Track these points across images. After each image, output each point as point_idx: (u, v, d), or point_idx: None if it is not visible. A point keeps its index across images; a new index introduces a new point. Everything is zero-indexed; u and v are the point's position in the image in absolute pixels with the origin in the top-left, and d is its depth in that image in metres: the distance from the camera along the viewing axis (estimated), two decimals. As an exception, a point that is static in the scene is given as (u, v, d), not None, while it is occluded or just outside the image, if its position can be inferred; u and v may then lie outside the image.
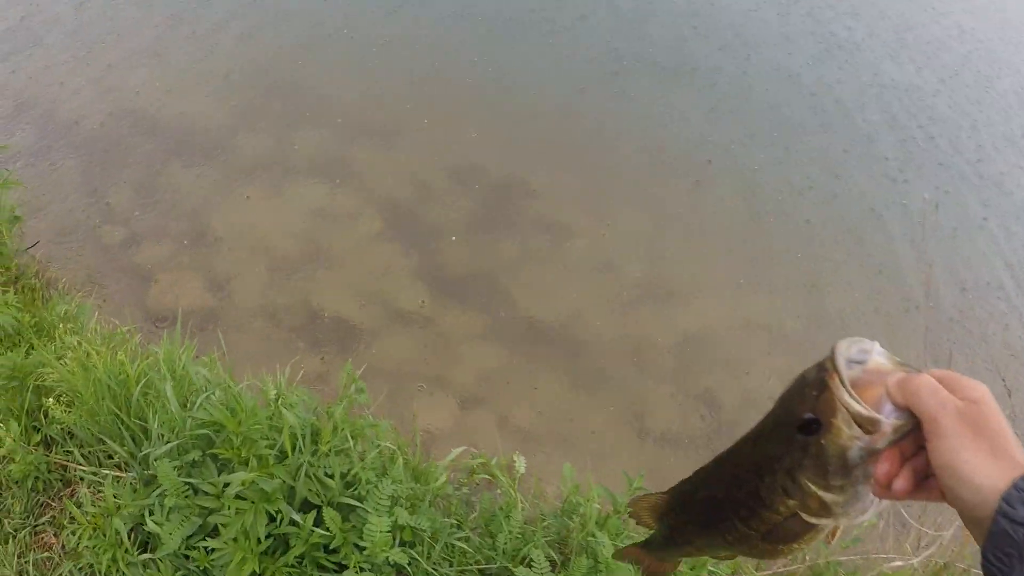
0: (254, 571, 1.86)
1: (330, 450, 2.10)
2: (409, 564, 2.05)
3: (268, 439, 1.94)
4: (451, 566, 2.20)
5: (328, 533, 1.97)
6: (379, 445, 2.31)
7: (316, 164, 5.37)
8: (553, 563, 2.21)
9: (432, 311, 4.59)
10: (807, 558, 2.76)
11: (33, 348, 2.79)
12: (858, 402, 0.64)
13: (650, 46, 7.11)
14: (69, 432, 2.48)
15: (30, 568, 2.29)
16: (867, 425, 0.63)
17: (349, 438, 2.18)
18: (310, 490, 1.99)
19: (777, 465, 0.71)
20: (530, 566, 2.11)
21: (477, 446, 3.84)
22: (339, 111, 5.90)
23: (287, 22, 6.90)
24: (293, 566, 1.96)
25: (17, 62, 5.83)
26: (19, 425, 2.42)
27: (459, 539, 2.27)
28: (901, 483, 0.63)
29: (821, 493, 0.68)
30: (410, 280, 4.73)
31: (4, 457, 2.39)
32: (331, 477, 2.04)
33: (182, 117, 5.56)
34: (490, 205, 5.33)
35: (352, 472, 2.11)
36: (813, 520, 0.71)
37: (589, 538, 2.29)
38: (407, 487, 2.21)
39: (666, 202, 5.78)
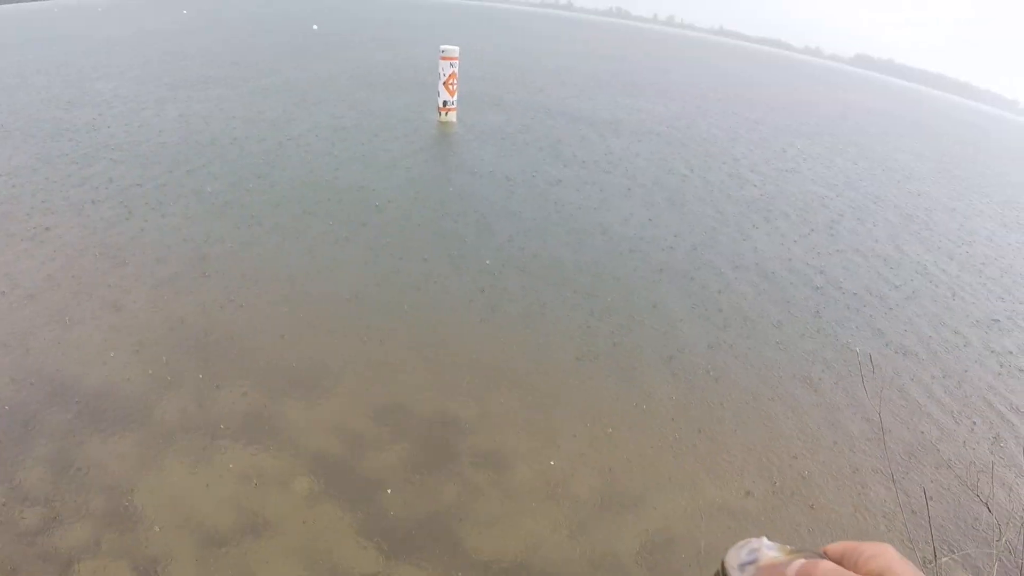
0: None
1: None
2: None
3: None
4: None
5: None
6: None
7: (241, 425, 5.17)
8: None
9: (385, 570, 4.34)
10: None
11: None
12: None
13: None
14: None
15: None
16: None
17: None
18: None
19: None
20: None
21: None
22: (261, 363, 5.89)
23: (203, 277, 7.07)
24: None
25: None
26: None
27: None
28: None
29: None
30: (354, 539, 4.45)
31: None
32: None
33: (98, 383, 5.34)
34: (425, 445, 5.26)
35: None
36: None
37: None
38: None
39: (602, 406, 6.04)
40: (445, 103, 13.50)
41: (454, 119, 13.79)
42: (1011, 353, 8.64)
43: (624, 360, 6.83)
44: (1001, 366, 8.24)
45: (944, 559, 4.87)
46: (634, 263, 9.28)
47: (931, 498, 5.59)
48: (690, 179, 13.51)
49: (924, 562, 4.67)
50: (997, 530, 5.21)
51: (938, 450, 6.27)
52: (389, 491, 4.84)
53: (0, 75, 16.02)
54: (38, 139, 11.39)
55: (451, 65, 12.83)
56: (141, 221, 8.53)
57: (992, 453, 6.41)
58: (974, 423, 6.83)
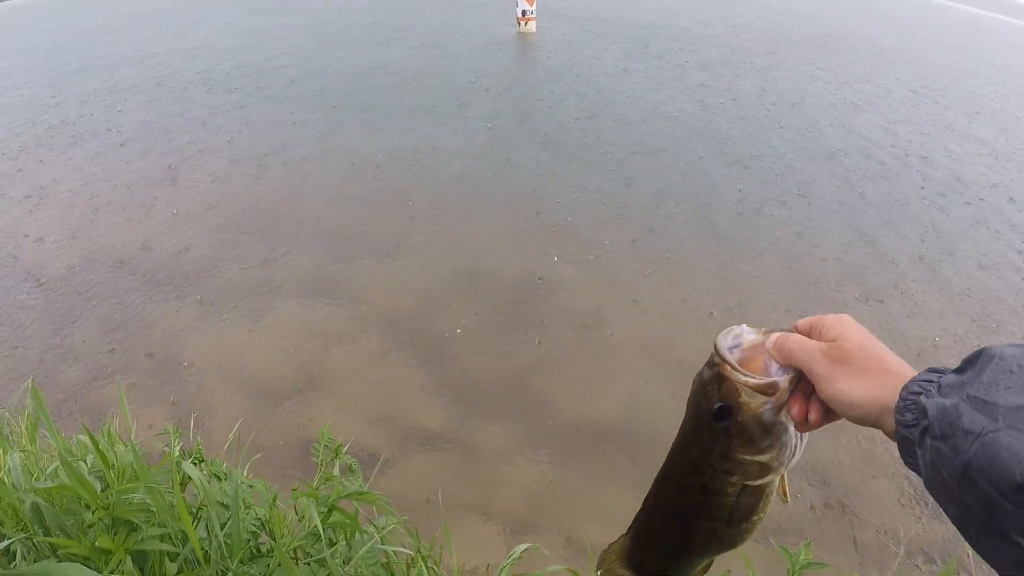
0: None
1: (290, 551, 1.22)
2: None
3: (159, 524, 1.09)
4: None
5: None
6: (380, 537, 1.39)
7: (310, 284, 4.87)
8: None
9: (456, 428, 3.73)
10: None
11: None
12: (751, 376, 0.72)
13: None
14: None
15: None
16: (766, 390, 0.71)
17: (321, 530, 1.29)
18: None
19: (711, 455, 0.76)
20: None
21: None
22: (331, 231, 5.56)
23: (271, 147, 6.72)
24: None
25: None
26: None
27: None
28: (814, 415, 0.71)
29: (757, 458, 0.74)
30: (424, 397, 3.93)
31: None
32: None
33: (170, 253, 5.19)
34: (503, 305, 4.69)
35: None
36: (760, 482, 0.77)
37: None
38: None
39: (699, 260, 5.13)
40: (524, 12, 12.59)
41: (533, 29, 12.76)
42: None
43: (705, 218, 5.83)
44: None
45: None
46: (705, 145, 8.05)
47: None
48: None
49: None
50: None
51: None
52: (458, 330, 4.26)
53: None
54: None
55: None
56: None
57: None
58: None
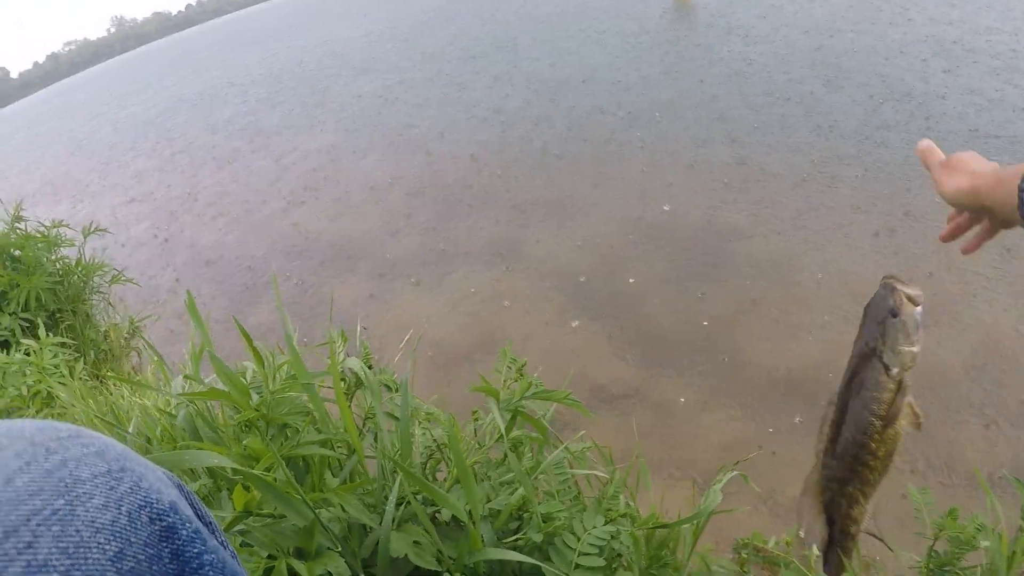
0: None
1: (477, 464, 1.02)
2: None
3: (320, 430, 0.93)
4: None
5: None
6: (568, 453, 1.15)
7: (488, 249, 4.85)
8: None
9: (643, 384, 3.45)
10: None
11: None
12: (913, 289, 0.96)
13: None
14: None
15: None
16: (916, 300, 0.96)
17: (504, 433, 1.07)
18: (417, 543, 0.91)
19: (883, 346, 0.98)
20: None
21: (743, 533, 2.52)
22: (503, 196, 5.52)
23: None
24: None
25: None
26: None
27: None
28: (962, 221, 0.99)
29: (912, 348, 0.97)
30: (610, 352, 3.69)
31: None
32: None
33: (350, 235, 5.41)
34: (688, 256, 4.30)
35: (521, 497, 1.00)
36: (908, 370, 0.98)
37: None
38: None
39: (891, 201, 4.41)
40: None
41: None
42: None
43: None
44: None
45: None
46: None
47: None
48: None
49: None
50: None
51: None
52: (633, 281, 3.94)
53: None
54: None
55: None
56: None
57: None
58: None
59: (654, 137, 5.99)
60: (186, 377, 1.24)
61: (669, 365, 3.54)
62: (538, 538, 0.97)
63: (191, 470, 0.97)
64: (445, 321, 4.13)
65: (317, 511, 0.82)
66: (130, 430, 1.19)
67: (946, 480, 2.67)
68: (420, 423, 1.18)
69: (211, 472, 0.94)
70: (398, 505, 0.90)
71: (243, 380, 0.92)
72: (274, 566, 0.77)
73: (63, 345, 3.19)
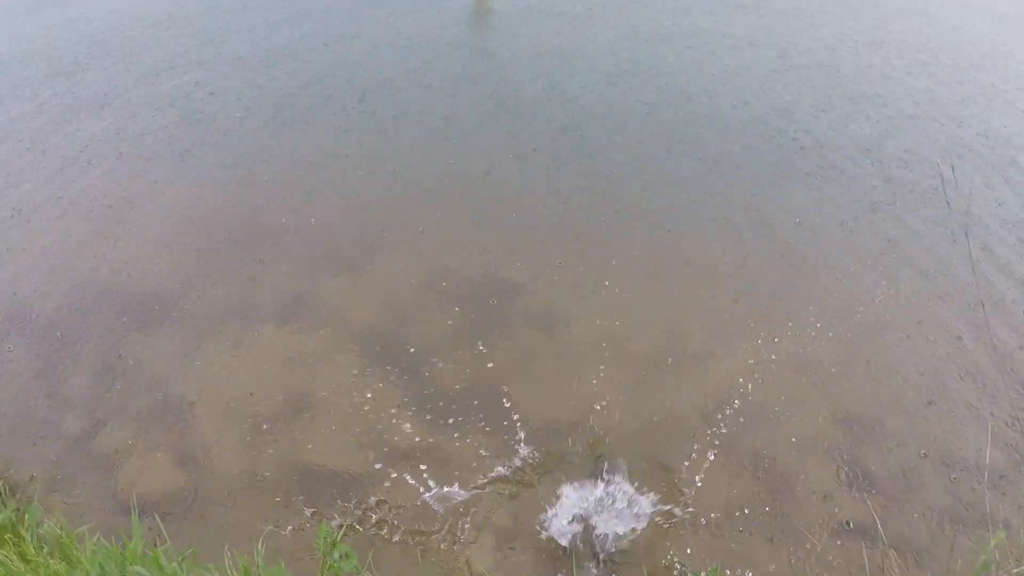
0: None
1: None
2: None
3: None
4: None
5: None
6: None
7: (286, 306, 5.02)
8: None
9: (433, 440, 4.10)
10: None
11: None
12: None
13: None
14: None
15: None
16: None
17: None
18: None
19: None
20: None
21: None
22: (299, 243, 5.66)
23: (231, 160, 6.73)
24: None
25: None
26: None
27: None
28: None
29: None
30: (402, 411, 4.26)
31: None
32: None
33: (138, 284, 5.23)
34: (472, 310, 5.00)
35: None
36: None
37: None
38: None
39: (657, 262, 5.54)
40: None
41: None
42: None
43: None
44: None
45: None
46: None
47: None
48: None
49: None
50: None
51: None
52: (437, 362, 4.57)
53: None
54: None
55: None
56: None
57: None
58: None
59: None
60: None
61: (455, 421, 4.19)
62: None
63: None
64: (253, 386, 4.40)
65: None
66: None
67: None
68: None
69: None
70: None
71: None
72: None
73: None
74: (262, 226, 5.86)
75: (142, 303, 5.06)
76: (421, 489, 3.81)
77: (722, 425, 4.22)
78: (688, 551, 3.58)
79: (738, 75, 8.75)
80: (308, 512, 3.68)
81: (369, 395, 4.35)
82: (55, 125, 7.35)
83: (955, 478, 3.98)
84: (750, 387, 4.47)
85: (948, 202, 6.28)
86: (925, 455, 4.11)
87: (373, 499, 3.76)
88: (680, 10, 10.93)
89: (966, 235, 5.83)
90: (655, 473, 3.95)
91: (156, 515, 3.60)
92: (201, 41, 9.59)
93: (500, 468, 3.95)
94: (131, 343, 4.72)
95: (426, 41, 9.64)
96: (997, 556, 3.17)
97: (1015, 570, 2.89)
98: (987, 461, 4.02)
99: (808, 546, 3.62)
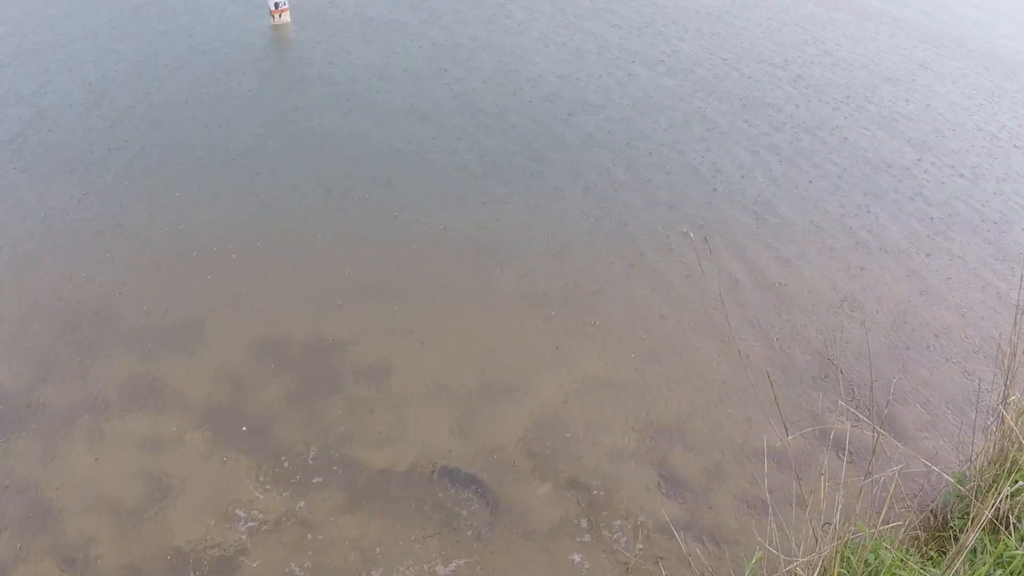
0: None
1: None
2: None
3: None
4: None
5: None
6: None
7: (128, 392, 5.18)
8: None
9: (290, 504, 4.48)
10: None
11: None
12: None
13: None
14: None
15: None
16: None
17: None
18: None
19: None
20: None
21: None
22: (129, 325, 5.75)
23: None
24: None
25: None
26: None
27: None
28: None
29: None
30: (256, 482, 4.62)
31: None
32: None
33: None
34: (304, 372, 5.39)
35: None
36: None
37: None
38: None
39: (463, 301, 6.12)
40: (277, 4, 12.07)
41: (288, 20, 12.37)
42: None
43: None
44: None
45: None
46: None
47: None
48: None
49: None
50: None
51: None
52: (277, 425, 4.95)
53: None
54: None
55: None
56: None
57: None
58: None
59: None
60: None
61: (308, 483, 4.58)
62: None
63: None
64: (114, 478, 4.59)
65: None
66: None
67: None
68: None
69: None
70: None
71: None
72: None
73: None
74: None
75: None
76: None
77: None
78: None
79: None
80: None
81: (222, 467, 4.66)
82: None
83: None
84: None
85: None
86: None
87: None
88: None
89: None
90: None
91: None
92: None
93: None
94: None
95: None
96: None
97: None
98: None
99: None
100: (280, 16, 12.04)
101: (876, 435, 3.42)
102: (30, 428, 4.93)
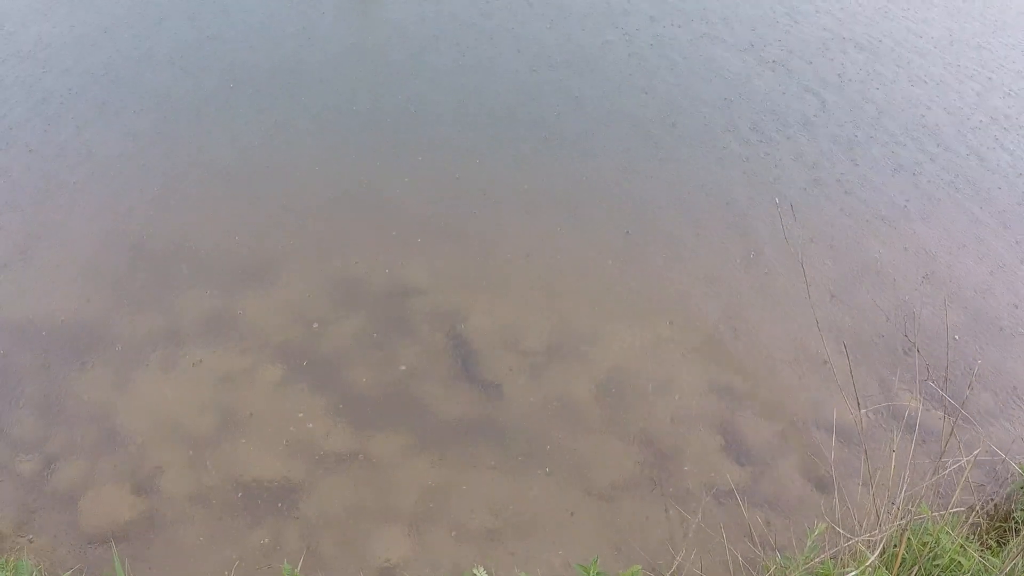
0: None
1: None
2: None
3: None
4: None
5: None
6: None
7: (204, 326, 5.30)
8: None
9: (358, 443, 4.68)
10: None
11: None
12: None
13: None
14: None
15: None
16: None
17: None
18: None
19: None
20: None
21: (440, 567, 4.00)
22: (213, 261, 5.82)
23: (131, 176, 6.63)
24: None
25: None
26: None
27: None
28: None
29: None
30: (327, 419, 4.79)
31: None
32: None
33: (57, 319, 5.34)
34: (380, 317, 5.48)
35: None
36: None
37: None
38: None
39: (546, 257, 6.15)
40: None
41: None
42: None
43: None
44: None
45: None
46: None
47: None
48: None
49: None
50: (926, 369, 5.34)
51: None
52: (359, 370, 5.10)
53: None
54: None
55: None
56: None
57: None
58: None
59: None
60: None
61: (377, 424, 4.74)
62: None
63: None
64: (187, 408, 4.77)
65: None
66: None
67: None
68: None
69: None
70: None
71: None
72: None
73: None
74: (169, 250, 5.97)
75: (68, 338, 5.22)
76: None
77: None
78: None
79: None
80: (264, 541, 4.18)
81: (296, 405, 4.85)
82: None
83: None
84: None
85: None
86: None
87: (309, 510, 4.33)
88: None
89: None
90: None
91: (115, 544, 3.89)
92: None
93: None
94: (67, 380, 4.95)
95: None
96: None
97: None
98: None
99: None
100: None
101: (953, 419, 3.39)
102: (104, 356, 5.09)
